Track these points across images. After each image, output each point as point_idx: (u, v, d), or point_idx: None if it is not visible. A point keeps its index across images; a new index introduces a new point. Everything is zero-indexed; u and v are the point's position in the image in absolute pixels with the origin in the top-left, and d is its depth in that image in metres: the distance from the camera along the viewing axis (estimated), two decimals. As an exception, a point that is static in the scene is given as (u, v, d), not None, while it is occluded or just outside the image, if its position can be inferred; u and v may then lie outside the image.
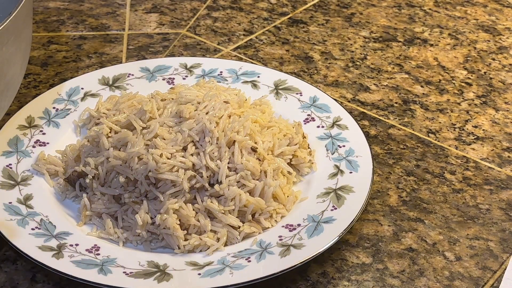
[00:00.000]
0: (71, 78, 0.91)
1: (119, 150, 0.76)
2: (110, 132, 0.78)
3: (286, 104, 0.87)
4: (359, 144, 0.82)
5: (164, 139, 0.76)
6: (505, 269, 0.73)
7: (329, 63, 0.99)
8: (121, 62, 0.99)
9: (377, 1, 1.12)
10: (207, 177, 0.74)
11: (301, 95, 0.88)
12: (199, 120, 0.76)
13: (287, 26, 1.07)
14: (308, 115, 0.86)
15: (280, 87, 0.89)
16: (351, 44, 1.03)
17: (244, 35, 1.05)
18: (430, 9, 1.11)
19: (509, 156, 0.86)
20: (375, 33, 1.06)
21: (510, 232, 0.77)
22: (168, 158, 0.74)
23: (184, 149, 0.76)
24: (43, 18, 1.07)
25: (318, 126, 0.85)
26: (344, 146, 0.82)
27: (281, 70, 0.95)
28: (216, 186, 0.74)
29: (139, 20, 1.07)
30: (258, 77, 0.91)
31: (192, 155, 0.75)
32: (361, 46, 1.03)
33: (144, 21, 1.07)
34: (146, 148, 0.75)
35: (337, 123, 0.84)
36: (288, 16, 1.09)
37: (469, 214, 0.79)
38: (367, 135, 0.85)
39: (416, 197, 0.80)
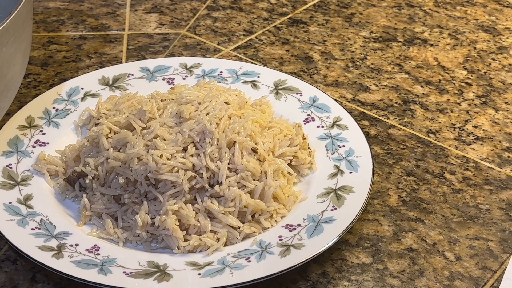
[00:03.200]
0: (71, 78, 0.91)
1: (119, 151, 0.76)
2: (109, 132, 0.78)
3: (286, 104, 0.87)
4: (359, 144, 0.81)
5: (165, 140, 0.76)
6: (505, 269, 0.73)
7: (329, 63, 0.99)
8: (121, 62, 0.99)
9: (377, 1, 1.12)
10: (207, 178, 0.74)
11: (301, 95, 0.88)
12: (200, 121, 0.76)
13: (287, 26, 1.07)
14: (308, 115, 0.86)
15: (280, 87, 0.89)
16: (351, 44, 1.03)
17: (244, 35, 1.05)
18: (430, 9, 1.11)
19: (509, 156, 0.86)
20: (375, 33, 1.06)
21: (510, 232, 0.77)
22: (168, 159, 0.74)
23: (185, 149, 0.76)
24: (43, 18, 1.07)
25: (318, 126, 0.85)
26: (344, 146, 0.82)
27: (281, 70, 0.95)
28: (217, 187, 0.73)
29: (139, 20, 1.07)
30: (258, 77, 0.91)
31: (192, 155, 0.75)
32: (361, 46, 1.03)
33: (144, 21, 1.07)
34: (146, 149, 0.75)
35: (337, 123, 0.84)
36: (288, 16, 1.09)
37: (469, 214, 0.79)
38: (367, 135, 0.85)
39: (416, 197, 0.80)
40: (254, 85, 0.90)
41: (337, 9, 1.11)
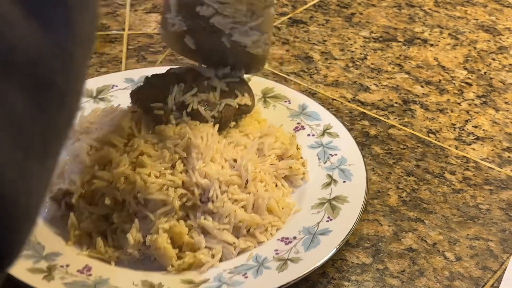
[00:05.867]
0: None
1: (104, 168, 0.72)
2: (90, 149, 0.74)
3: (275, 112, 0.85)
4: (351, 152, 0.80)
5: (151, 157, 0.72)
6: (505, 269, 0.73)
7: (329, 63, 0.99)
8: (121, 62, 0.98)
9: (377, 1, 1.12)
10: (199, 194, 0.71)
11: (289, 103, 0.86)
12: (183, 135, 0.73)
13: (287, 26, 1.07)
14: (298, 123, 0.84)
15: (268, 95, 0.87)
16: (351, 44, 1.03)
17: (244, 35, 1.04)
18: (430, 9, 1.11)
19: (509, 156, 0.86)
20: (375, 33, 1.06)
21: (510, 232, 0.77)
22: (156, 177, 0.71)
23: (173, 166, 0.72)
24: (43, 19, 1.07)
25: (308, 135, 0.83)
26: (336, 154, 0.80)
27: (281, 70, 0.95)
28: (210, 205, 0.71)
29: (139, 20, 1.07)
30: None
31: (181, 172, 0.72)
32: (361, 46, 1.03)
33: (144, 21, 1.07)
34: (132, 167, 0.71)
35: (328, 131, 0.83)
36: (288, 16, 1.09)
37: (469, 214, 0.79)
38: (367, 135, 0.85)
39: (416, 197, 0.80)
40: None
41: (337, 9, 1.11)
